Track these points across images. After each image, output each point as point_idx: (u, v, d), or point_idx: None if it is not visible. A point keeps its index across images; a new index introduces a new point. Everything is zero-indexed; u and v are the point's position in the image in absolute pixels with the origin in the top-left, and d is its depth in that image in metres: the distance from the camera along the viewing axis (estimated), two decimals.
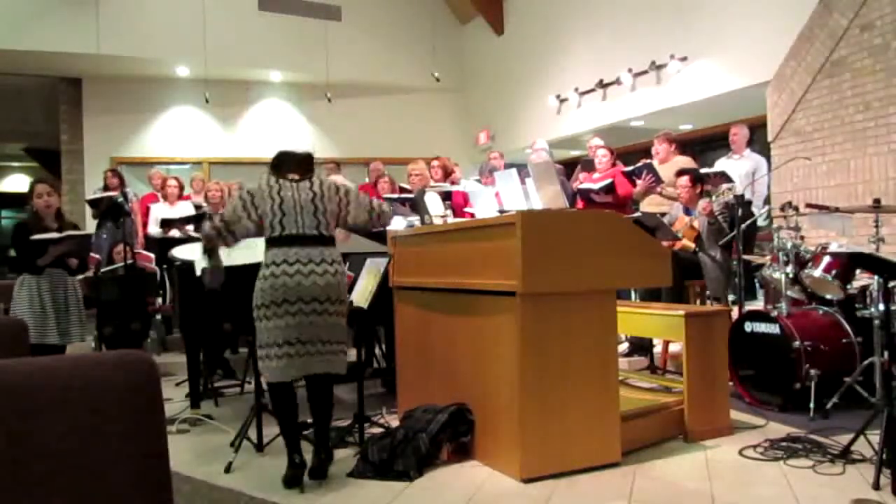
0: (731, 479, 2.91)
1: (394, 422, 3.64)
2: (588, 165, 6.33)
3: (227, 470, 3.17)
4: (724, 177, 5.42)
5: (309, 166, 3.12)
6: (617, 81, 8.39)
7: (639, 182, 5.73)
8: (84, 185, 9.95)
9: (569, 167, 7.62)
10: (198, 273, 4.15)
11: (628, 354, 5.32)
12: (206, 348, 4.78)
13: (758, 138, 6.97)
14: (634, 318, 3.94)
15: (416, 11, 11.14)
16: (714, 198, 4.99)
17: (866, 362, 3.71)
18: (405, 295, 3.96)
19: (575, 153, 10.19)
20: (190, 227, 6.94)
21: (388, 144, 10.61)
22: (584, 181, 6.09)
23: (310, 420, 3.15)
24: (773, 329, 3.97)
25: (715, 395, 3.53)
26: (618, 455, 3.09)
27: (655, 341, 5.20)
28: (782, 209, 4.40)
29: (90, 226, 7.69)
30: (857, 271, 3.98)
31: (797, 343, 3.79)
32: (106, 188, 7.51)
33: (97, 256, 6.53)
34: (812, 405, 3.69)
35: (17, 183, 15.02)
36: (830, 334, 3.93)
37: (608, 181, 5.74)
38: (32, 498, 1.23)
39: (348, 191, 3.15)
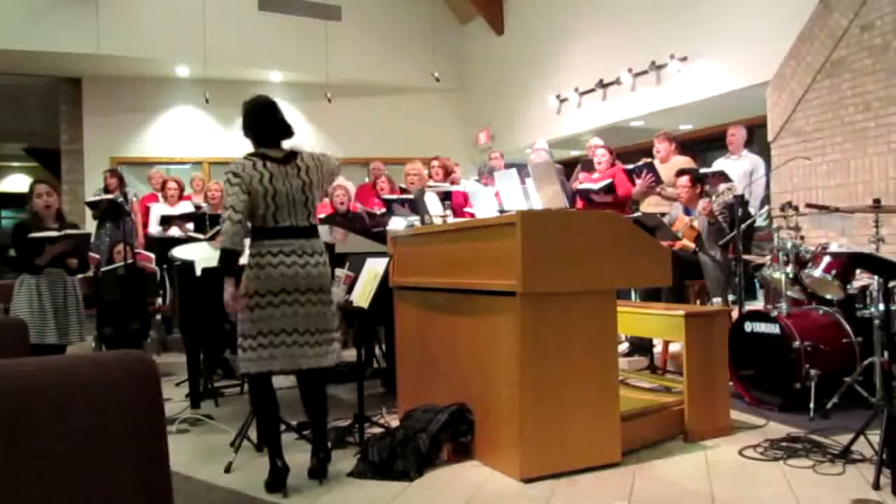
0: (731, 479, 2.91)
1: (394, 422, 3.64)
2: (587, 165, 6.33)
3: (227, 470, 3.17)
4: (722, 176, 5.42)
5: (289, 130, 3.04)
6: (617, 81, 8.40)
7: (638, 181, 5.73)
8: (84, 185, 9.95)
9: (569, 167, 7.62)
10: (198, 273, 4.16)
11: (628, 354, 5.32)
12: (206, 348, 4.78)
13: (758, 138, 6.98)
14: (634, 318, 3.94)
15: (416, 11, 11.14)
16: (714, 198, 4.99)
17: (866, 362, 3.71)
18: (405, 295, 3.96)
19: (575, 153, 10.19)
20: (190, 226, 6.95)
21: (388, 144, 10.61)
22: (583, 181, 6.09)
23: (307, 420, 3.14)
24: (773, 329, 3.97)
25: (715, 395, 3.53)
26: (618, 455, 3.09)
27: (655, 341, 5.20)
28: (782, 209, 4.40)
29: (90, 226, 7.69)
30: (857, 271, 3.99)
31: (797, 343, 3.79)
32: (105, 189, 7.51)
33: (97, 256, 6.53)
34: (812, 405, 3.69)
35: (17, 183, 15.02)
36: (830, 334, 3.92)
37: (608, 181, 5.74)
38: (32, 498, 1.23)
39: (329, 170, 3.11)
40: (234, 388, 5.02)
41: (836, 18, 5.65)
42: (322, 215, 7.03)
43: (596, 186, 5.75)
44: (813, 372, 3.72)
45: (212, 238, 5.85)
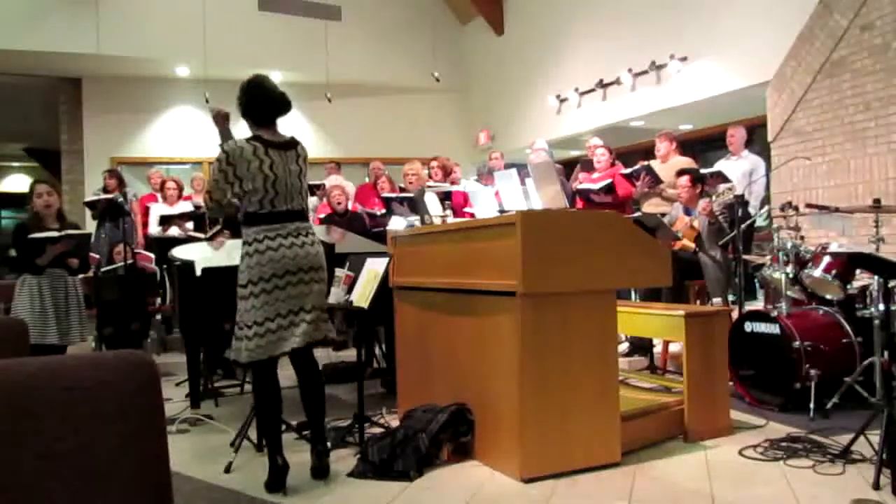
0: (731, 479, 2.91)
1: (394, 422, 3.63)
2: (587, 165, 6.34)
3: (227, 470, 3.17)
4: (721, 177, 5.42)
5: (283, 105, 3.04)
6: (617, 81, 8.40)
7: (637, 183, 5.74)
8: (84, 185, 9.95)
9: (568, 167, 7.62)
10: (198, 273, 4.16)
11: (628, 354, 5.32)
12: (206, 348, 4.78)
13: (758, 138, 6.97)
14: (634, 318, 3.94)
15: (416, 11, 11.14)
16: (714, 198, 4.99)
17: (866, 362, 3.71)
18: (405, 295, 3.96)
19: (575, 153, 10.19)
20: (189, 225, 6.95)
21: (388, 144, 10.61)
22: (583, 181, 6.09)
23: (307, 420, 3.14)
24: (773, 329, 3.97)
25: (715, 395, 3.53)
26: (618, 455, 3.09)
27: (655, 341, 5.20)
28: (782, 209, 4.40)
29: (90, 226, 7.69)
30: (857, 271, 3.99)
31: (797, 343, 3.79)
32: (105, 189, 7.51)
33: (97, 256, 6.53)
34: (812, 405, 3.69)
35: (17, 183, 15.04)
36: (830, 334, 3.92)
37: (608, 181, 5.74)
38: (32, 498, 1.23)
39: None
40: (234, 388, 5.02)
41: (836, 18, 5.65)
42: (321, 215, 7.04)
43: (596, 186, 5.75)
44: (813, 372, 3.72)
45: (211, 238, 5.85)
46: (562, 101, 9.39)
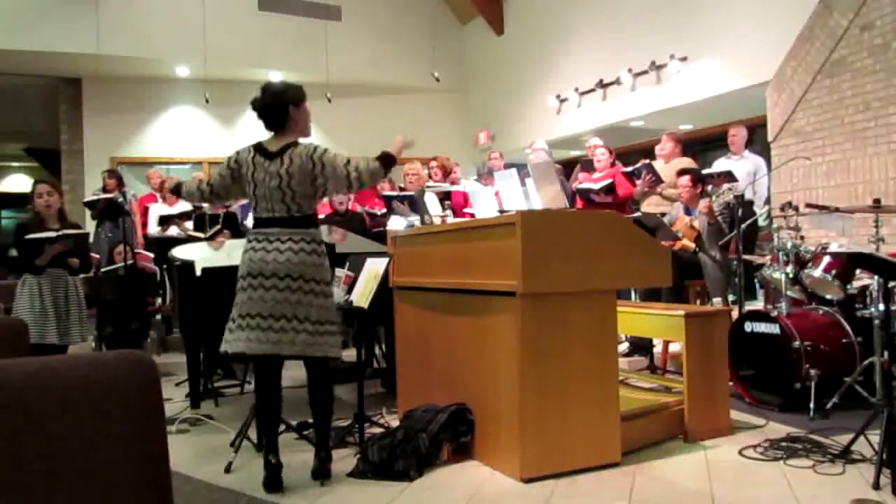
0: (731, 479, 2.91)
1: (394, 422, 3.63)
2: (587, 165, 6.33)
3: (227, 470, 3.17)
4: (728, 176, 5.42)
5: (275, 118, 3.05)
6: (617, 81, 8.40)
7: (638, 182, 5.73)
8: (84, 185, 9.95)
9: (568, 167, 7.62)
10: (198, 273, 4.16)
11: (628, 354, 5.32)
12: (206, 348, 4.78)
13: (758, 138, 6.97)
14: (634, 318, 3.94)
15: (416, 11, 11.14)
16: (714, 198, 4.99)
17: (866, 362, 3.71)
18: (405, 295, 3.96)
19: (575, 153, 10.19)
20: (189, 225, 6.95)
21: (388, 144, 10.48)
22: (583, 181, 6.09)
23: (307, 420, 3.14)
24: (773, 329, 3.97)
25: (715, 395, 3.53)
26: (618, 455, 3.09)
27: (655, 341, 5.20)
28: (782, 209, 4.40)
29: (90, 226, 7.69)
30: (857, 271, 3.99)
31: (797, 343, 3.79)
32: (104, 189, 7.51)
33: (97, 256, 6.53)
34: (812, 405, 3.69)
35: (17, 183, 15.03)
36: (830, 334, 3.93)
37: (608, 181, 5.74)
38: (32, 498, 1.23)
39: (324, 165, 3.05)
40: (234, 388, 5.02)
41: (836, 18, 5.65)
42: (322, 215, 7.04)
43: (596, 186, 5.75)
44: (813, 372, 3.72)
45: (211, 238, 5.85)
46: (562, 101, 9.39)
